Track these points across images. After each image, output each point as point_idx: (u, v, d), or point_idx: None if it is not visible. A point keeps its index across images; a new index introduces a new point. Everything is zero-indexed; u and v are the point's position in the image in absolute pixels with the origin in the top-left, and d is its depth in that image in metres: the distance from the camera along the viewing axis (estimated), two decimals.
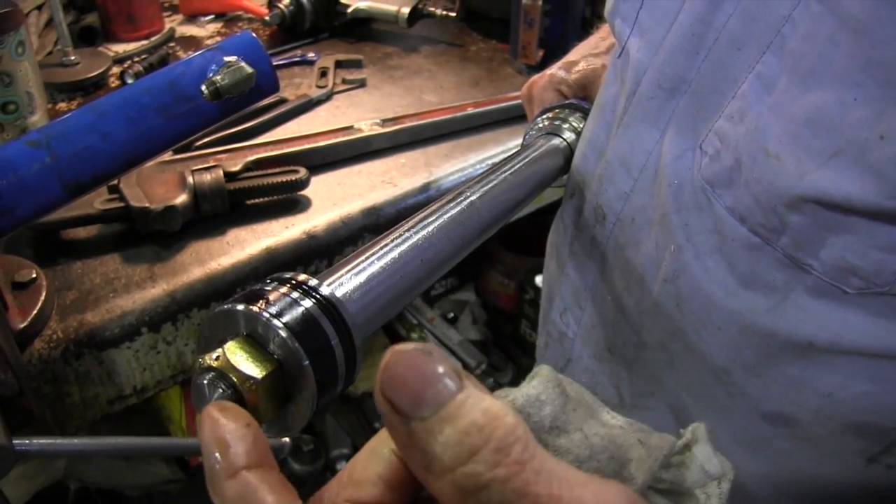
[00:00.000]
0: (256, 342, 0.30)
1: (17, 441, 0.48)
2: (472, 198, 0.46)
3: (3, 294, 0.65)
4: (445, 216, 0.44)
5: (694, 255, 0.45)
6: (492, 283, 1.68)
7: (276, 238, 0.79)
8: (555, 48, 1.11)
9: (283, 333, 0.29)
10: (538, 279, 1.50)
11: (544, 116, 0.66)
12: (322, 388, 0.30)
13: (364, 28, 1.33)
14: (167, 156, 0.82)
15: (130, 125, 0.59)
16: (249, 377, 0.29)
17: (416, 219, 0.43)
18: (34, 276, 0.69)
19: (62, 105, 1.06)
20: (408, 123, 0.97)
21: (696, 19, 0.44)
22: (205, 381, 0.29)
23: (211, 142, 0.92)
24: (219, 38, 1.31)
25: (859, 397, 0.42)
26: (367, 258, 0.37)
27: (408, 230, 0.41)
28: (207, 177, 0.80)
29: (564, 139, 0.62)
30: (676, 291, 0.47)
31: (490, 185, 0.49)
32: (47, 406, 0.67)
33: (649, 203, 0.50)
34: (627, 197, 0.52)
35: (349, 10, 1.28)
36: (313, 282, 0.33)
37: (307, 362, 0.29)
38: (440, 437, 0.20)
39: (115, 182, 0.75)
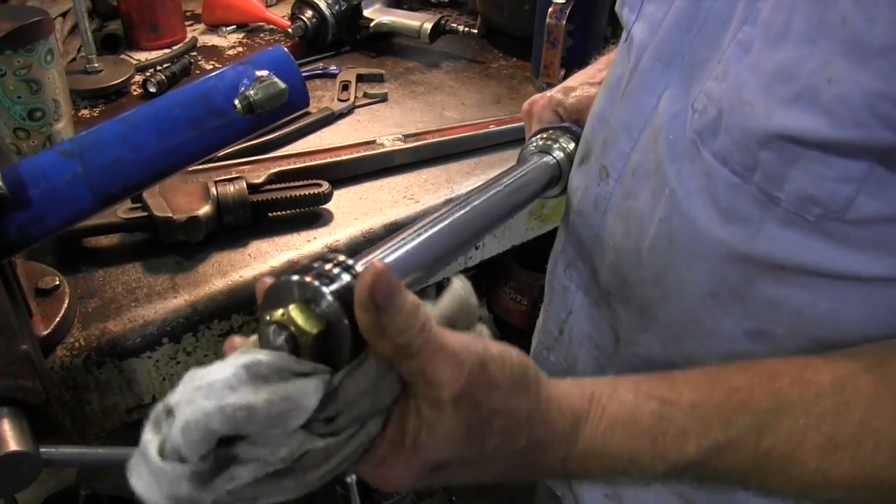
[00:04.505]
0: (308, 305, 0.39)
1: (43, 449, 0.48)
2: (475, 203, 0.58)
3: (28, 301, 0.65)
4: (454, 216, 0.54)
5: (685, 196, 0.53)
6: (505, 299, 1.67)
7: (298, 251, 0.79)
8: (577, 67, 1.11)
9: (330, 299, 0.38)
10: None
11: (540, 136, 0.75)
12: (356, 343, 0.40)
13: (386, 42, 1.34)
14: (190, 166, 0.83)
15: (161, 137, 0.59)
16: (305, 332, 0.38)
17: (430, 218, 0.52)
18: (57, 283, 0.70)
19: (85, 112, 1.06)
20: (430, 139, 0.97)
21: (690, 2, 0.53)
22: (270, 330, 0.38)
23: (233, 153, 0.92)
24: (241, 49, 1.32)
25: (824, 315, 0.50)
26: (391, 247, 0.47)
27: (422, 227, 0.51)
28: (231, 188, 0.80)
29: (555, 157, 0.72)
30: (669, 228, 0.55)
31: (491, 193, 0.60)
32: (67, 414, 0.67)
33: (647, 158, 0.58)
34: (628, 156, 0.61)
35: (371, 24, 1.29)
36: (350, 260, 0.42)
37: (347, 321, 0.38)
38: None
39: None
